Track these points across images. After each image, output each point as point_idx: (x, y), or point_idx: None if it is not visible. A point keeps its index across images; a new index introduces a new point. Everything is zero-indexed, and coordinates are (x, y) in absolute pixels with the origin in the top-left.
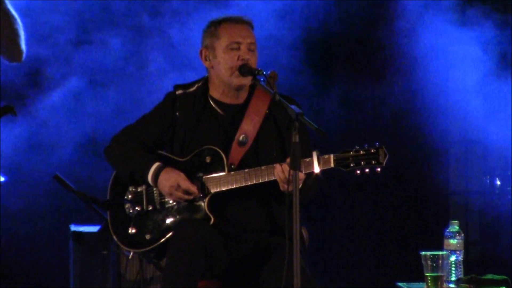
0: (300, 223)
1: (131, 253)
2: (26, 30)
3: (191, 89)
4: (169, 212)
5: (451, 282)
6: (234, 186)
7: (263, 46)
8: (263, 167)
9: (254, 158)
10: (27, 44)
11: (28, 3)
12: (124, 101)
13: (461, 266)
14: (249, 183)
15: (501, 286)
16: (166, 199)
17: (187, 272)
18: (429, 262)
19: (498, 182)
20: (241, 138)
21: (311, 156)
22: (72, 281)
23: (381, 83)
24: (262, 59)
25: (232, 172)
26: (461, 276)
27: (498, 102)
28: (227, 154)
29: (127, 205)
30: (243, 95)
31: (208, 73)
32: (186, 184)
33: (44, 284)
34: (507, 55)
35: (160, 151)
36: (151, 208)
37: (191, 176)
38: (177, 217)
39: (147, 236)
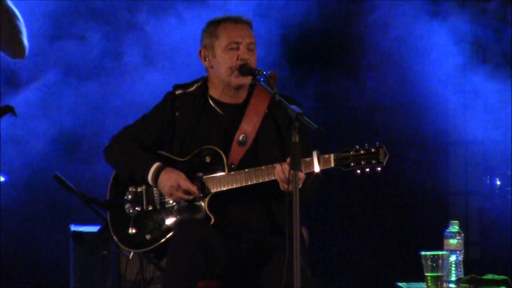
0: (300, 223)
1: (131, 253)
2: None
3: (191, 89)
4: (169, 212)
5: (451, 282)
6: (234, 186)
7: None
8: (263, 167)
9: (254, 158)
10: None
11: None
12: (99, 96)
13: (461, 266)
14: (249, 183)
15: (501, 286)
16: (166, 199)
17: (187, 272)
18: (429, 262)
19: (498, 182)
20: (241, 138)
21: (311, 155)
22: (72, 281)
23: (357, 78)
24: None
25: (232, 172)
26: (461, 276)
27: (471, 95)
28: (227, 154)
29: (127, 205)
30: (243, 94)
31: (207, 73)
32: (186, 184)
33: (44, 284)
34: (481, 46)
35: (160, 151)
36: (151, 208)
37: (191, 176)
38: (177, 217)
39: (147, 236)
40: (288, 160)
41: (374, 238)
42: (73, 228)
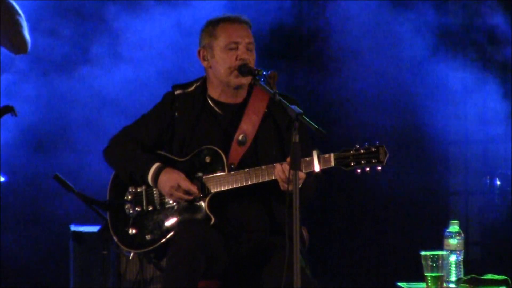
0: (300, 223)
1: (132, 254)
2: None
3: (190, 89)
4: (169, 212)
5: (451, 282)
6: (234, 186)
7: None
8: (263, 167)
9: (253, 158)
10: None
11: None
12: (66, 89)
13: (461, 266)
14: (249, 183)
15: (501, 286)
16: (166, 200)
17: (188, 272)
18: (429, 262)
19: (498, 182)
20: (240, 137)
21: (311, 155)
22: (72, 281)
23: (322, 71)
24: None
25: (232, 172)
26: (461, 276)
27: (436, 84)
28: (226, 154)
29: (127, 206)
30: (242, 94)
31: (206, 73)
32: (186, 184)
33: (44, 284)
34: (446, 36)
35: (160, 151)
36: (151, 208)
37: (191, 176)
38: (178, 217)
39: (148, 237)
40: (288, 159)
41: (374, 238)
42: (73, 228)
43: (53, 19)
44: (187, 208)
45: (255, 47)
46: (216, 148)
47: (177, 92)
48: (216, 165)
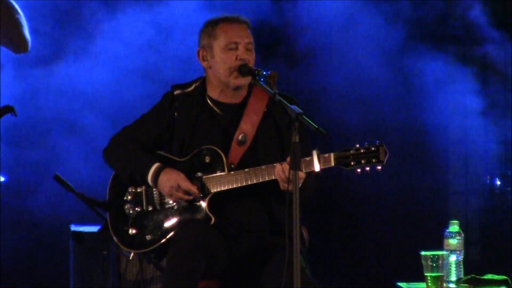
0: (300, 223)
1: (132, 254)
2: None
3: (189, 89)
4: (169, 212)
5: (451, 282)
6: (234, 186)
7: (187, 34)
8: (263, 167)
9: (253, 157)
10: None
11: None
12: (41, 85)
13: (461, 266)
14: (249, 183)
15: (501, 286)
16: (166, 200)
17: (188, 272)
18: (429, 262)
19: (498, 182)
20: (240, 137)
21: (311, 154)
22: (72, 281)
23: (295, 65)
24: (188, 47)
25: (232, 172)
26: (461, 276)
27: (411, 76)
28: (226, 153)
29: (127, 206)
30: (241, 94)
31: (205, 73)
32: (186, 184)
33: (44, 284)
34: (421, 28)
35: (159, 151)
36: (151, 208)
37: (191, 176)
38: (178, 217)
39: (148, 237)
40: (288, 159)
41: (374, 238)
42: (73, 228)
43: (32, 16)
44: (187, 208)
45: (254, 47)
46: (216, 148)
47: (176, 92)
48: (216, 165)
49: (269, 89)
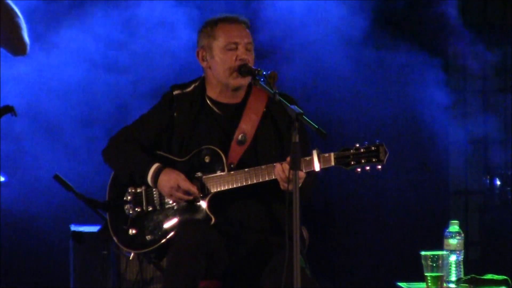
0: (300, 223)
1: (132, 254)
2: None
3: (188, 89)
4: (169, 212)
5: (451, 282)
6: (234, 186)
7: (158, 32)
8: (263, 166)
9: (253, 157)
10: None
11: None
12: (5, 77)
13: (461, 266)
14: (249, 183)
15: (501, 286)
16: (166, 200)
17: (188, 273)
18: (429, 262)
19: (498, 182)
20: (240, 137)
21: (311, 154)
22: (72, 281)
23: (261, 64)
24: (155, 43)
25: (232, 172)
26: (461, 276)
27: (373, 68)
28: (226, 153)
29: (126, 206)
30: (241, 94)
31: (204, 73)
32: (186, 184)
33: (44, 284)
34: (387, 19)
35: (159, 151)
36: (151, 209)
37: (191, 176)
38: (178, 217)
39: (148, 237)
40: (288, 159)
41: (374, 238)
42: (73, 228)
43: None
44: (187, 208)
45: (253, 47)
46: (216, 148)
47: (176, 92)
48: (215, 165)
49: (269, 89)
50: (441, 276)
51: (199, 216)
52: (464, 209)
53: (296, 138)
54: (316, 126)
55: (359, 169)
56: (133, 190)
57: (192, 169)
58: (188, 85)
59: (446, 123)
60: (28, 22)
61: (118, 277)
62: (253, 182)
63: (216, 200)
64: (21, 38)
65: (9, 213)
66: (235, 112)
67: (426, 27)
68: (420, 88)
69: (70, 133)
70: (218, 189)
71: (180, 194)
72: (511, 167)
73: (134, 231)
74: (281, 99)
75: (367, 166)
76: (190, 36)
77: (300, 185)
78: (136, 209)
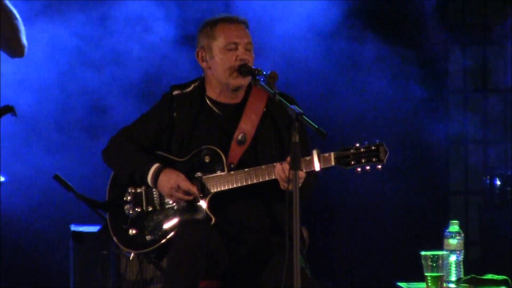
0: (300, 223)
1: (132, 254)
2: None
3: (188, 89)
4: (169, 212)
5: (451, 282)
6: (234, 186)
7: (143, 30)
8: (263, 166)
9: (253, 157)
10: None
11: None
12: None
13: (461, 266)
14: (249, 183)
15: (501, 286)
16: (166, 200)
17: (188, 273)
18: (429, 262)
19: (498, 182)
20: (239, 137)
21: (311, 154)
22: (72, 281)
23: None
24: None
25: (232, 172)
26: (461, 276)
27: (345, 60)
28: (226, 153)
29: (126, 206)
30: (241, 94)
31: (204, 73)
32: (186, 185)
33: (44, 284)
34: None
35: (159, 152)
36: (151, 209)
37: (191, 176)
38: (178, 217)
39: (148, 237)
40: (288, 159)
41: (374, 238)
42: (73, 228)
43: None
44: (187, 208)
45: (253, 47)
46: (216, 148)
47: (175, 92)
48: (215, 165)
49: (269, 89)
50: (441, 276)
51: (199, 216)
52: (464, 209)
53: (296, 138)
54: (316, 126)
55: (359, 169)
56: (133, 190)
57: (192, 169)
58: (188, 85)
59: (426, 121)
60: None
61: (118, 277)
62: (253, 182)
63: (216, 200)
64: (19, 40)
65: (9, 213)
66: (235, 112)
67: (402, 20)
68: (395, 82)
69: (46, 129)
70: (218, 189)
71: (180, 194)
72: (511, 167)
73: (134, 231)
74: (281, 99)
75: (367, 165)
76: (168, 32)
77: (300, 185)
78: (136, 209)
